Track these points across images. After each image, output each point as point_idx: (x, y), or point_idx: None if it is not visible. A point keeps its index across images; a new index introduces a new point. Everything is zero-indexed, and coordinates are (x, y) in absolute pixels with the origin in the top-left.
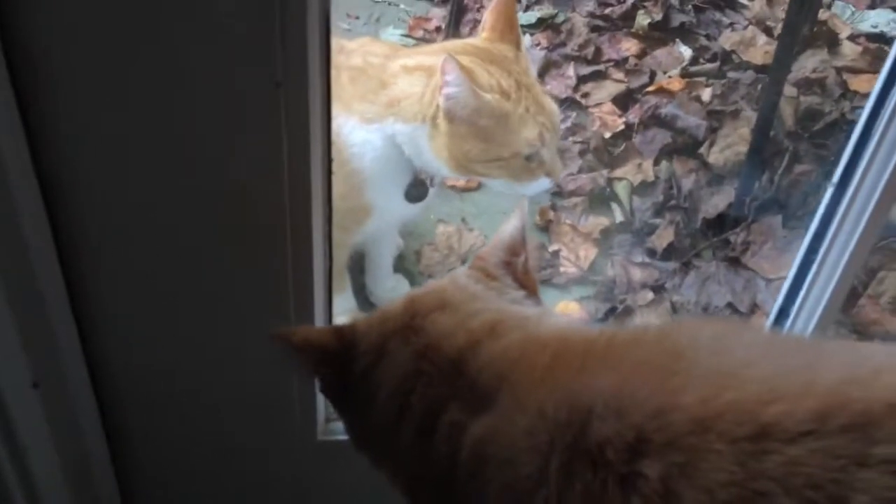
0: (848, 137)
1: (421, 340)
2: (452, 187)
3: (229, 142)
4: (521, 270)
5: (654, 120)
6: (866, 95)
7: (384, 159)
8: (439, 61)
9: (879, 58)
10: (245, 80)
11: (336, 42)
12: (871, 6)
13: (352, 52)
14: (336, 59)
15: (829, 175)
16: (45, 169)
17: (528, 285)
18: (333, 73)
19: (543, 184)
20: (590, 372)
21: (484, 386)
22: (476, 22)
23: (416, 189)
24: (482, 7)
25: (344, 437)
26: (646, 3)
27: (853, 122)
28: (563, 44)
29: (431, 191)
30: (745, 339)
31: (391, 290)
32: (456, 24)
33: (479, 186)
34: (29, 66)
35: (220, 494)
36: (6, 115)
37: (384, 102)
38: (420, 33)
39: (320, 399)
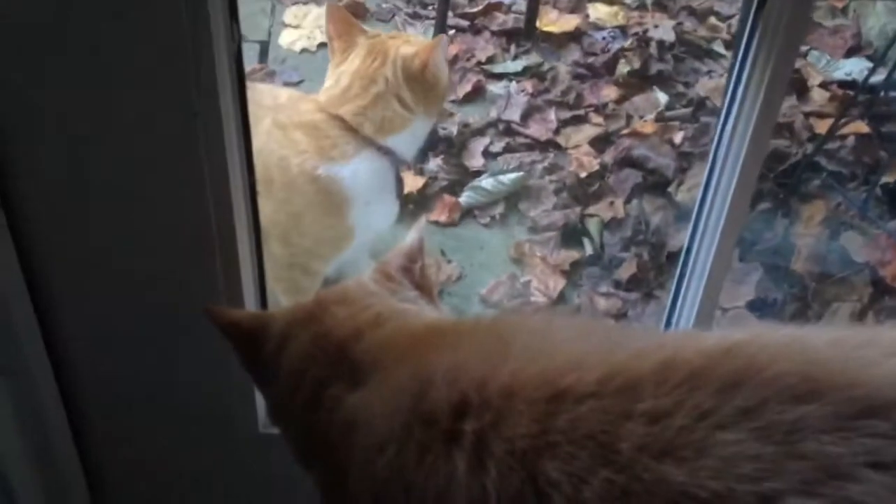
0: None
1: (318, 328)
2: (435, 222)
3: (157, 163)
4: (419, 275)
5: (628, 161)
6: (833, 138)
7: (373, 177)
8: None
9: (848, 104)
10: (167, 113)
11: (269, 91)
12: (847, 55)
13: (286, 107)
14: (278, 115)
15: (787, 213)
16: (8, 182)
17: (425, 287)
18: (280, 132)
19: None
20: (438, 351)
21: (362, 367)
22: None
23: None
24: None
25: None
26: (627, 53)
27: (816, 164)
28: (547, 90)
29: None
30: (562, 327)
31: None
32: None
33: (460, 221)
34: None
35: (170, 483)
36: None
37: (357, 141)
38: None
39: (259, 393)
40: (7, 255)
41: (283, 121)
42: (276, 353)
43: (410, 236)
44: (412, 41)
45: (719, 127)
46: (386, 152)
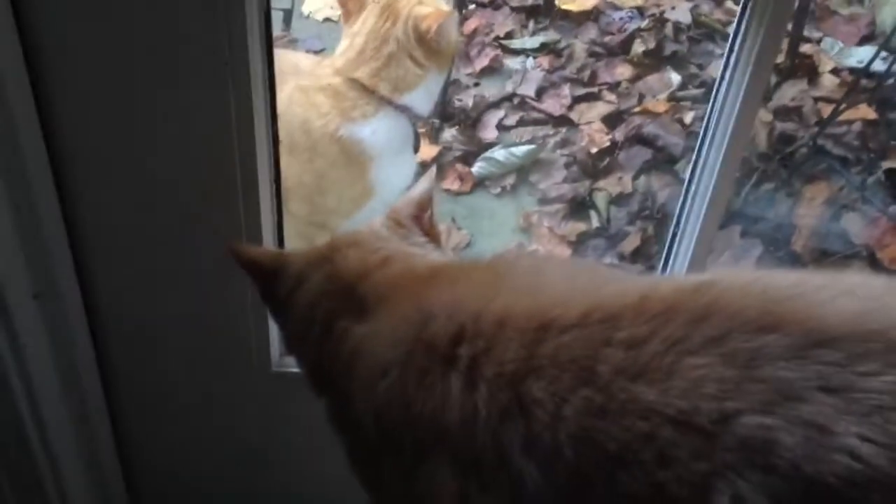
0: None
1: (331, 268)
2: (447, 190)
3: (191, 106)
4: (427, 223)
5: (638, 138)
6: (840, 123)
7: (392, 134)
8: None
9: (857, 90)
10: (200, 61)
11: (291, 56)
12: (860, 43)
13: (307, 72)
14: (300, 80)
15: (791, 193)
16: (50, 124)
17: (432, 234)
18: (302, 96)
19: None
20: (439, 288)
21: (370, 303)
22: None
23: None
24: None
25: (297, 369)
26: (643, 33)
27: (822, 147)
28: (563, 67)
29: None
30: (552, 267)
31: None
32: None
33: (472, 190)
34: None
35: (187, 416)
36: (14, 66)
37: (375, 101)
38: None
39: (273, 333)
40: (50, 203)
41: (304, 85)
42: (292, 290)
43: (420, 186)
44: (426, 1)
45: (713, 98)
46: (403, 110)
